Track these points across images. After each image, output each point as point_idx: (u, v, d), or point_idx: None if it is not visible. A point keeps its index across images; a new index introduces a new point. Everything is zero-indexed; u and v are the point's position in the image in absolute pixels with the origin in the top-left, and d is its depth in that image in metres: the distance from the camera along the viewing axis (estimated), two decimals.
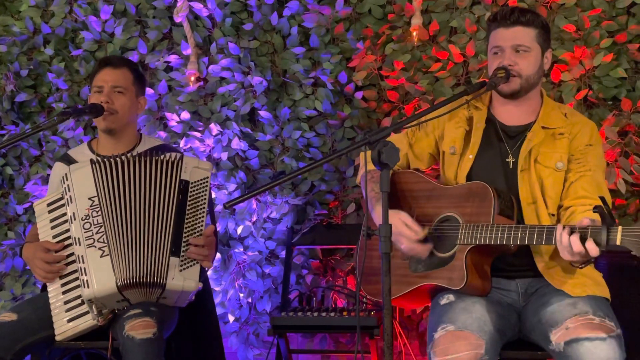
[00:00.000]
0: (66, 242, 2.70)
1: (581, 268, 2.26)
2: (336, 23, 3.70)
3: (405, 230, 2.42)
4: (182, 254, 2.66)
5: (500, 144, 2.55)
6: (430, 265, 2.47)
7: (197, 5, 3.78)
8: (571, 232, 2.15)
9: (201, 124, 3.78)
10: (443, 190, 2.53)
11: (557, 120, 2.53)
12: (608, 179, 3.25)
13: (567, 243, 2.14)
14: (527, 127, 2.54)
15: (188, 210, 2.71)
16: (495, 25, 2.50)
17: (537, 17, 2.51)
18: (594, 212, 2.10)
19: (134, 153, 2.84)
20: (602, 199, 2.12)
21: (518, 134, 2.54)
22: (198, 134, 3.74)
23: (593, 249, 2.11)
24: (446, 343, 2.23)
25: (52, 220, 2.73)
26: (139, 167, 2.70)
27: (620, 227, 2.08)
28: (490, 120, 2.59)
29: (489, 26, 2.55)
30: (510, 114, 2.57)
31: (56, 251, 2.68)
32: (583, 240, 2.12)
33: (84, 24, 3.94)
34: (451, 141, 2.60)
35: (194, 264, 2.68)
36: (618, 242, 2.07)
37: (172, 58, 3.83)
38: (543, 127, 2.52)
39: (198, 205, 2.73)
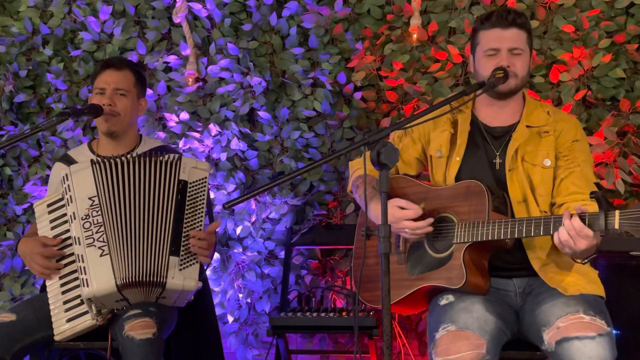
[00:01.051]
0: (65, 243, 2.70)
1: (584, 263, 2.27)
2: (335, 23, 3.70)
3: (402, 213, 2.43)
4: (181, 253, 2.67)
5: (486, 145, 2.56)
6: (427, 267, 2.47)
7: (196, 6, 3.78)
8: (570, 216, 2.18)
9: (200, 124, 3.78)
10: (435, 191, 2.54)
11: (540, 118, 2.55)
12: (607, 179, 3.26)
13: (570, 225, 2.15)
14: (512, 127, 2.55)
15: (187, 210, 2.71)
16: (489, 26, 2.49)
17: (527, 20, 2.54)
18: (591, 198, 2.12)
19: (134, 154, 2.85)
20: (598, 184, 2.13)
21: (503, 135, 2.56)
22: (197, 135, 3.74)
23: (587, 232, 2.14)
24: (448, 343, 2.23)
25: (52, 221, 2.73)
26: (138, 168, 2.71)
27: (617, 211, 2.10)
28: (474, 122, 2.60)
29: (480, 26, 2.53)
30: (494, 115, 2.59)
31: (55, 247, 2.69)
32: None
33: (83, 25, 3.94)
34: (437, 145, 2.61)
35: (193, 264, 2.68)
36: (616, 226, 2.09)
37: (171, 58, 3.83)
38: (527, 126, 2.53)
39: (197, 205, 2.73)
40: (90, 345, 2.72)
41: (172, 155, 2.75)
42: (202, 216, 2.73)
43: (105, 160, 2.72)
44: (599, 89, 3.38)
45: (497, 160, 2.53)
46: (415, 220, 2.44)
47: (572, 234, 2.17)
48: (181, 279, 2.64)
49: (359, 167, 2.73)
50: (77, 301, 2.65)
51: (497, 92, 2.51)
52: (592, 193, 2.11)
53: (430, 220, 2.45)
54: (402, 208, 2.44)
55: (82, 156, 2.93)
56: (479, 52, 2.53)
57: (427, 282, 2.44)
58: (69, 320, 2.64)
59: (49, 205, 2.75)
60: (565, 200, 2.44)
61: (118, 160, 2.71)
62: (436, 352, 2.24)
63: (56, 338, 2.64)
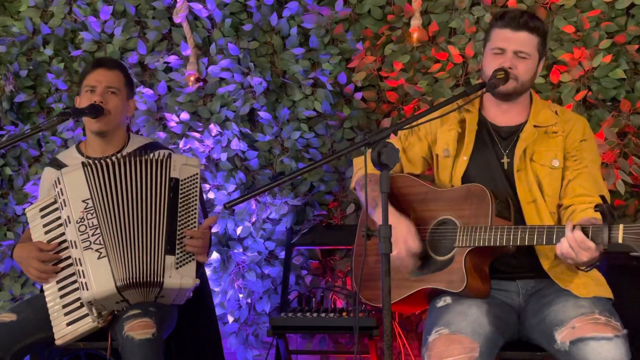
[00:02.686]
0: (61, 246, 2.69)
1: (587, 271, 2.27)
2: (335, 24, 3.70)
3: (409, 238, 2.41)
4: (177, 251, 2.67)
5: (494, 145, 2.55)
6: (429, 269, 2.46)
7: (197, 6, 3.78)
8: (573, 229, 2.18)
9: (200, 124, 3.78)
10: (439, 193, 2.53)
11: (548, 117, 2.54)
12: (607, 180, 3.26)
13: (572, 237, 2.15)
14: (519, 127, 2.55)
15: (180, 207, 2.71)
16: (502, 25, 2.49)
17: (542, 24, 2.52)
18: (595, 211, 2.11)
19: (123, 153, 2.84)
20: (602, 197, 2.13)
21: (511, 135, 2.55)
22: (197, 135, 3.74)
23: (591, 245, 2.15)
24: (440, 346, 2.23)
25: (45, 225, 2.72)
26: (129, 168, 2.70)
27: (621, 225, 2.09)
28: (482, 122, 2.59)
29: (494, 23, 2.53)
30: (501, 115, 2.58)
31: (50, 251, 2.68)
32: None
33: (84, 25, 3.94)
34: (444, 144, 2.60)
35: (189, 261, 2.68)
36: (620, 240, 2.09)
37: (172, 59, 3.83)
38: (535, 126, 2.53)
39: (190, 202, 2.73)
40: (90, 345, 2.71)
41: (161, 153, 2.74)
42: (195, 213, 2.73)
43: (96, 161, 2.71)
44: (599, 89, 3.38)
45: (505, 160, 2.52)
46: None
47: (574, 245, 2.17)
48: (178, 277, 2.64)
49: (362, 166, 2.72)
50: (77, 304, 2.64)
51: (497, 93, 2.51)
52: (596, 206, 2.10)
53: (418, 264, 2.44)
54: (412, 235, 2.43)
55: (71, 159, 2.92)
56: (487, 48, 2.53)
57: (428, 284, 2.44)
58: (69, 324, 2.64)
59: (41, 210, 2.74)
60: (572, 202, 2.44)
61: (109, 160, 2.70)
62: (429, 355, 2.24)
63: (57, 342, 2.64)
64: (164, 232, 2.67)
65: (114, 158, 2.71)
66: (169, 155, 2.74)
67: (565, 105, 3.34)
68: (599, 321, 2.23)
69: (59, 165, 2.90)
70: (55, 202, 2.71)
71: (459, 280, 2.35)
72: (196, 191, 2.75)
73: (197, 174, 2.77)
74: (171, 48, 3.89)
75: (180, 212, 2.71)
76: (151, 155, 2.73)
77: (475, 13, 3.53)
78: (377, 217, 2.51)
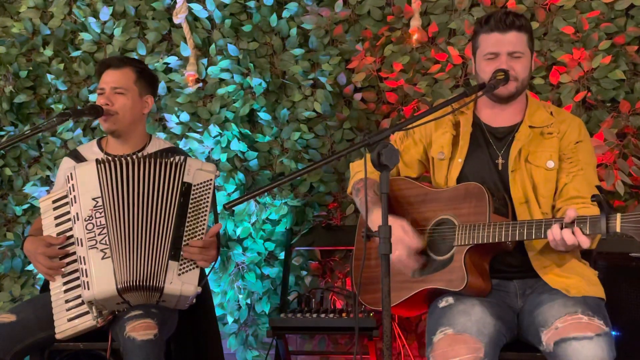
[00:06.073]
0: (69, 241, 2.69)
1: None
2: (335, 24, 3.70)
3: (405, 236, 2.40)
4: (181, 257, 2.66)
5: (489, 146, 2.56)
6: (429, 269, 2.47)
7: (197, 7, 3.78)
8: (564, 226, 2.18)
9: (200, 125, 3.78)
10: (436, 193, 2.53)
11: (543, 118, 2.55)
12: (607, 180, 3.26)
13: (560, 237, 2.18)
14: (514, 128, 2.55)
15: (189, 213, 2.70)
16: (488, 29, 2.49)
17: (527, 21, 2.53)
18: (592, 201, 2.12)
19: (142, 154, 2.84)
20: (599, 187, 2.13)
21: (506, 135, 2.56)
22: (197, 135, 3.74)
23: (584, 241, 2.16)
24: (445, 347, 2.23)
25: (56, 218, 2.73)
26: (142, 169, 2.69)
27: (619, 214, 2.10)
28: (477, 124, 2.60)
29: (479, 29, 2.52)
30: (496, 116, 2.59)
31: (58, 246, 2.68)
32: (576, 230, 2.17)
33: (83, 25, 3.94)
34: (439, 147, 2.61)
35: (193, 268, 2.67)
36: (618, 229, 2.10)
37: (172, 59, 3.83)
38: (530, 127, 2.53)
39: (200, 209, 2.71)
40: (91, 345, 2.72)
41: (177, 157, 2.74)
42: (205, 220, 2.71)
43: (110, 160, 2.71)
44: (598, 90, 3.39)
45: (500, 161, 2.53)
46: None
47: (558, 240, 2.20)
48: (179, 284, 2.63)
49: (359, 170, 2.71)
50: (79, 301, 2.65)
51: (498, 96, 2.51)
52: (593, 196, 2.12)
53: (421, 262, 2.43)
54: (407, 232, 2.41)
55: (91, 154, 2.94)
56: (479, 55, 2.53)
57: (428, 285, 2.44)
58: (70, 320, 2.64)
59: (54, 202, 2.75)
60: (564, 205, 2.44)
61: (123, 160, 2.70)
62: (434, 356, 2.24)
63: (57, 336, 2.64)
64: (170, 236, 2.66)
65: (128, 158, 2.71)
66: (184, 160, 2.73)
67: (565, 106, 3.34)
68: (581, 321, 2.23)
69: (77, 157, 2.92)
70: (67, 196, 2.72)
71: (459, 279, 2.35)
72: (208, 197, 2.72)
73: (211, 179, 2.74)
74: (171, 49, 3.89)
75: (189, 217, 2.69)
76: (166, 158, 2.72)
77: (475, 14, 3.54)
78: (371, 221, 2.47)
